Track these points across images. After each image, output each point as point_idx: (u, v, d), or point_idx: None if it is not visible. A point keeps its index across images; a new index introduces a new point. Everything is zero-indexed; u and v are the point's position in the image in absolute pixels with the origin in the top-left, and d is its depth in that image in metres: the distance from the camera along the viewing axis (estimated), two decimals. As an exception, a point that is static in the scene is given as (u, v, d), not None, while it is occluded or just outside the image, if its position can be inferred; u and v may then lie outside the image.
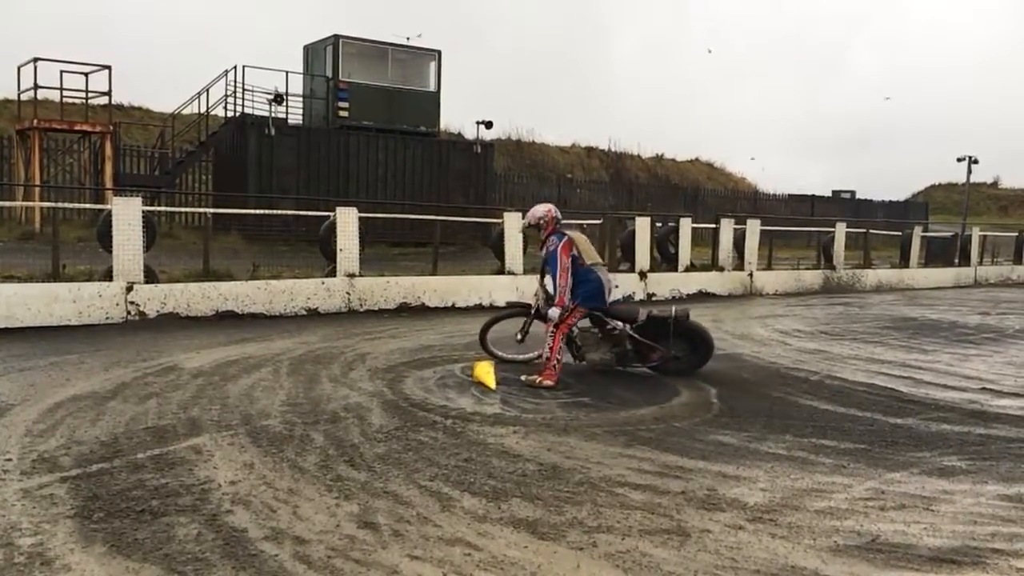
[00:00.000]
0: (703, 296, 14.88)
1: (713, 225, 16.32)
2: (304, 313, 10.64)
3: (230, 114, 21.38)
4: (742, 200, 36.13)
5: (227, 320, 9.91)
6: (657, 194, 33.50)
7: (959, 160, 31.81)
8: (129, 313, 9.48)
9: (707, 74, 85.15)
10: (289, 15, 62.84)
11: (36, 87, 19.28)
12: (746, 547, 3.60)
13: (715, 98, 78.24)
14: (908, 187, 52.44)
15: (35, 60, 18.85)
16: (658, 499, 4.16)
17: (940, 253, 21.38)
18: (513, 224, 12.33)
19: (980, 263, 21.71)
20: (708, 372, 7.47)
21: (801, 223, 29.52)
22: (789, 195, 38.04)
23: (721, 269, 15.64)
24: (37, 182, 18.56)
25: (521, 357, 7.52)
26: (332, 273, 11.17)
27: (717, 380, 7.20)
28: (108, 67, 19.49)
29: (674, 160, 40.70)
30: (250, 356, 7.63)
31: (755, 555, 3.52)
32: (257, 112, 21.27)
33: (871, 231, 19.85)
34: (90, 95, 20.19)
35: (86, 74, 19.73)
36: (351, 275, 11.11)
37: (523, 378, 6.79)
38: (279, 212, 16.57)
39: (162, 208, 18.64)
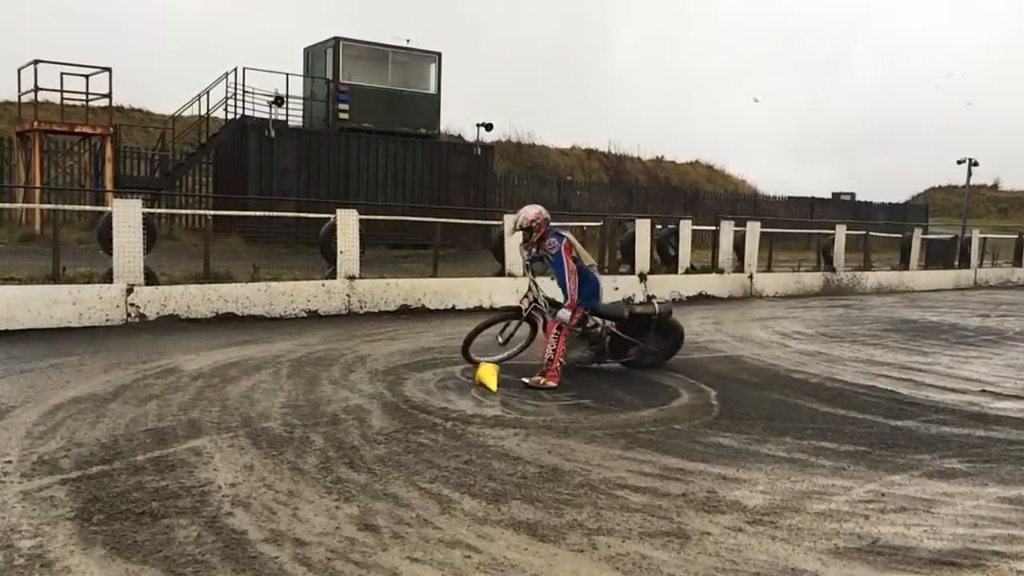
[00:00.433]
0: (703, 298, 14.88)
1: (713, 227, 16.33)
2: (304, 315, 10.64)
3: (230, 116, 21.41)
4: (742, 202, 36.15)
5: (227, 322, 9.91)
6: (657, 196, 33.49)
7: (959, 162, 31.73)
8: (129, 315, 9.49)
9: (707, 73, 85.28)
10: (289, 17, 62.98)
11: (36, 89, 19.31)
12: (746, 549, 3.60)
13: (715, 98, 78.44)
14: (908, 189, 52.60)
15: (35, 62, 18.87)
16: (658, 501, 4.16)
17: (940, 255, 21.35)
18: (512, 226, 12.30)
19: (980, 265, 21.69)
20: (708, 374, 7.48)
21: (801, 225, 29.50)
22: (789, 197, 38.01)
23: (721, 271, 15.64)
24: (37, 184, 18.56)
25: (500, 356, 7.34)
26: (332, 275, 11.17)
27: (717, 382, 7.21)
28: (108, 69, 19.54)
29: (674, 162, 40.72)
30: (250, 358, 7.63)
31: (755, 557, 3.52)
32: (258, 114, 21.28)
33: (871, 233, 19.83)
34: (90, 97, 20.19)
35: (86, 76, 19.74)
36: (351, 277, 11.11)
37: (525, 379, 6.79)
38: (279, 214, 16.51)
39: (162, 210, 18.60)
